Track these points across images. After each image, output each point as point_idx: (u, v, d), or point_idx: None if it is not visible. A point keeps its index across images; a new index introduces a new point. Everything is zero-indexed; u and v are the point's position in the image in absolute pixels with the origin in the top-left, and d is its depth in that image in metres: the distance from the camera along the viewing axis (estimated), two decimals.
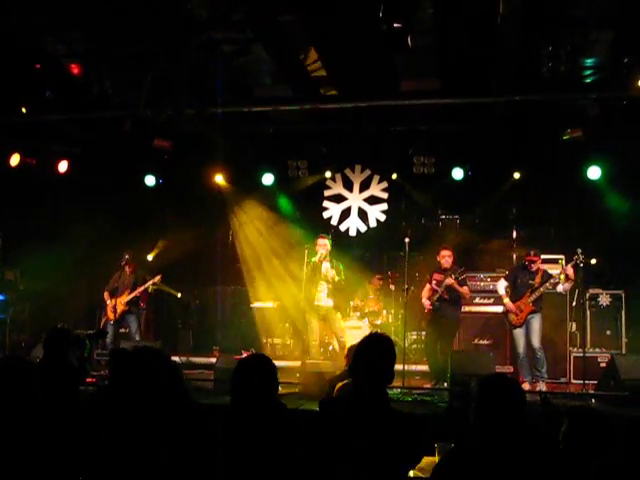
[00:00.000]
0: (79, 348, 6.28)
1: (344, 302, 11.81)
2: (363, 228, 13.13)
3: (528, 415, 3.22)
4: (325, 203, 13.27)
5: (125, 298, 11.02)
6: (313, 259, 10.19)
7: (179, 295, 12.59)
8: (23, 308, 12.42)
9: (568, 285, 9.50)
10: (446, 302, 9.92)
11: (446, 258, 10.05)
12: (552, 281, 9.44)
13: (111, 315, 11.01)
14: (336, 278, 10.09)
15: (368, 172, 13.09)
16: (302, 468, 3.54)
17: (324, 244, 10.18)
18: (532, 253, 9.62)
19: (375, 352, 3.67)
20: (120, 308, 10.96)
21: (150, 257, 12.59)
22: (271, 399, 3.82)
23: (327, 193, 13.26)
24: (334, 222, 13.19)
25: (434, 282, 10.07)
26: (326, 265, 10.14)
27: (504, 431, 3.12)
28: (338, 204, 13.23)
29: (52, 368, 5.86)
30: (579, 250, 9.23)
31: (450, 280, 9.75)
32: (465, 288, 10.00)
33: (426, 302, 10.11)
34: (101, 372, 9.28)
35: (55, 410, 4.04)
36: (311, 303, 10.20)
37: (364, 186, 13.14)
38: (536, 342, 9.40)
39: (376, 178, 13.05)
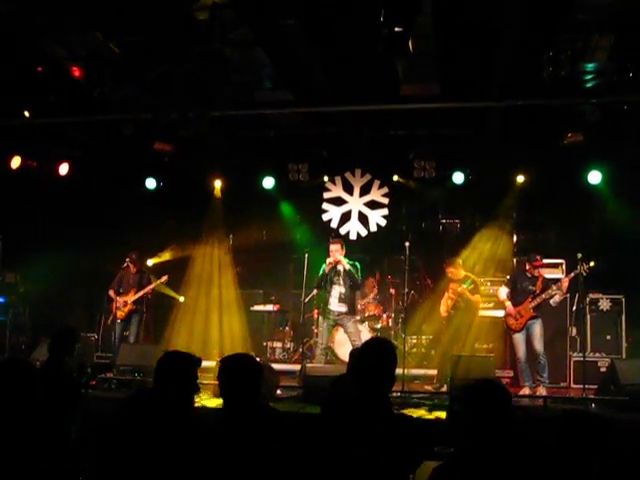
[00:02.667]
0: (80, 372, 6.25)
1: None
2: (364, 232, 13.10)
3: (524, 419, 3.21)
4: (324, 205, 13.24)
5: (132, 297, 11.05)
6: (323, 266, 10.07)
7: (182, 299, 12.61)
8: (23, 311, 12.42)
9: (559, 298, 9.55)
10: (460, 310, 10.01)
11: (451, 274, 10.35)
12: (549, 292, 9.46)
13: (120, 314, 11.02)
14: (347, 267, 9.82)
15: (368, 177, 13.07)
16: (301, 471, 3.54)
17: (335, 249, 9.92)
18: (538, 257, 9.68)
19: (377, 357, 3.68)
20: (128, 307, 11.00)
21: (151, 262, 12.58)
22: (257, 399, 3.83)
23: (326, 195, 13.23)
24: (334, 225, 13.15)
25: (450, 291, 10.22)
26: (339, 268, 9.93)
27: (490, 436, 3.09)
28: (338, 207, 13.20)
29: (56, 368, 5.88)
30: (579, 255, 9.25)
31: (461, 290, 9.90)
32: (476, 296, 10.17)
33: (442, 308, 10.38)
34: (102, 375, 9.27)
35: (56, 412, 4.05)
36: (325, 307, 10.14)
37: (364, 190, 13.11)
38: (539, 347, 9.41)
39: (377, 183, 13.02)
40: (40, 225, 12.33)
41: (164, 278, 11.29)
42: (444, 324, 10.47)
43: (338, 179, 13.18)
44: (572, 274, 9.36)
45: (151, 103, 9.66)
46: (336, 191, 13.21)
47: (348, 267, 9.85)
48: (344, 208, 13.18)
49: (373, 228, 13.08)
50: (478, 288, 10.32)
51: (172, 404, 3.79)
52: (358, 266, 10.06)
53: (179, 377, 3.90)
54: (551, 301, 9.54)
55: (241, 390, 3.78)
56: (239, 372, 3.83)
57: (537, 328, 9.48)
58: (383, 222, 13.04)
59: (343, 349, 10.84)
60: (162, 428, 3.65)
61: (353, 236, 13.06)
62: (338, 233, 12.86)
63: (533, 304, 9.46)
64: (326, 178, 13.07)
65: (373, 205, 13.08)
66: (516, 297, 9.70)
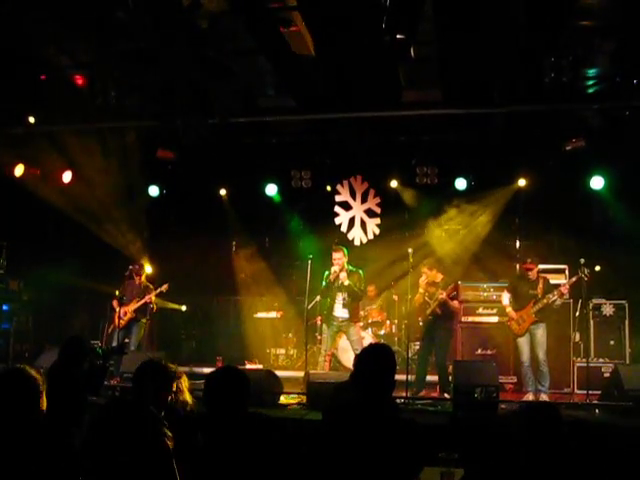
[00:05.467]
0: (95, 358, 6.33)
1: None
2: (364, 239, 13.14)
3: None
4: (336, 208, 13.28)
5: (133, 306, 11.03)
6: (327, 272, 9.96)
7: (184, 308, 12.63)
8: (26, 318, 12.43)
9: (559, 302, 9.54)
10: (439, 317, 9.94)
11: (425, 275, 10.15)
12: (550, 297, 9.43)
13: (120, 322, 11.02)
14: (345, 282, 9.68)
15: (366, 184, 13.13)
16: (304, 477, 3.55)
17: (338, 258, 9.77)
18: (528, 261, 9.64)
19: (376, 362, 3.69)
20: (128, 316, 10.98)
21: (149, 268, 12.59)
22: (244, 411, 3.84)
23: (337, 199, 13.28)
24: (344, 229, 13.20)
25: (426, 294, 10.04)
26: (342, 274, 9.76)
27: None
28: (346, 211, 13.25)
29: (63, 376, 5.88)
30: (582, 260, 9.24)
31: (442, 296, 9.79)
32: (455, 302, 10.09)
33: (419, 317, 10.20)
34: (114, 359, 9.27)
35: (60, 419, 4.07)
36: (329, 314, 10.09)
37: (364, 197, 13.17)
38: (541, 355, 9.38)
39: (372, 192, 13.08)
40: (43, 233, 12.36)
41: (164, 286, 11.26)
42: (421, 331, 10.24)
43: (346, 183, 13.23)
44: (573, 279, 9.35)
45: (154, 111, 9.68)
46: (344, 195, 13.25)
47: (347, 282, 9.73)
48: (350, 213, 13.23)
49: (370, 236, 13.16)
50: (458, 294, 10.27)
51: (144, 412, 3.83)
52: (361, 274, 10.00)
53: (154, 386, 3.99)
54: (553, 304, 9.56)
55: (224, 402, 3.81)
56: (223, 386, 3.87)
57: (539, 335, 9.44)
58: (377, 231, 13.10)
59: (346, 355, 10.83)
60: (137, 435, 3.69)
61: (357, 242, 13.09)
62: (340, 240, 12.84)
63: (535, 308, 9.43)
64: (329, 187, 13.09)
65: (370, 213, 13.15)
66: (518, 302, 9.68)
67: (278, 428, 3.78)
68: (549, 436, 3.22)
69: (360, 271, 9.98)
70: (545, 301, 9.41)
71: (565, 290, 9.36)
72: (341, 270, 9.75)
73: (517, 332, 9.56)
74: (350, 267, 9.89)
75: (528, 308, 9.47)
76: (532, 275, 9.60)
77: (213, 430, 3.75)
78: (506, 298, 9.86)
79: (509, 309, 9.68)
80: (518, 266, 11.85)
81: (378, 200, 13.12)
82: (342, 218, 13.27)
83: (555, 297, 9.40)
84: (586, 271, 9.14)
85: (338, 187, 13.24)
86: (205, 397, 3.85)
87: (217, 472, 3.60)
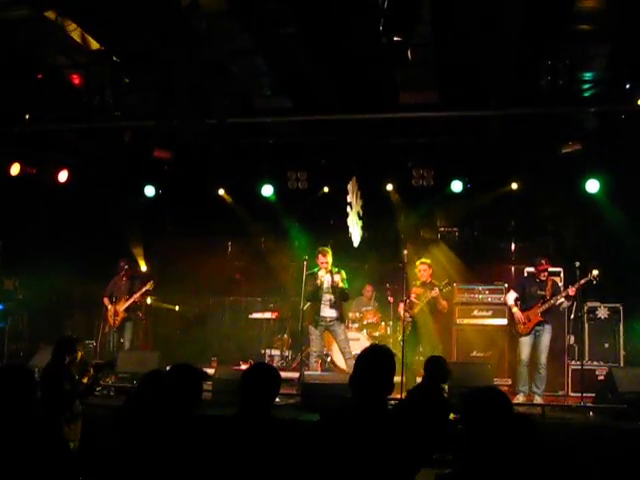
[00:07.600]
0: (83, 373, 6.35)
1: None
2: (358, 241, 13.12)
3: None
4: (348, 208, 13.26)
5: (123, 305, 11.04)
6: (310, 272, 9.98)
7: (177, 308, 12.64)
8: (21, 317, 12.41)
9: (566, 304, 9.57)
10: (426, 315, 9.95)
11: (422, 272, 10.16)
12: (557, 298, 9.45)
13: (112, 321, 11.03)
14: (340, 284, 9.76)
15: (357, 186, 13.13)
16: (299, 477, 3.55)
17: (324, 261, 9.83)
18: (543, 262, 9.63)
19: (375, 363, 3.70)
20: (120, 316, 10.99)
21: (144, 267, 12.58)
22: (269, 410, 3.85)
23: (348, 199, 13.25)
24: (351, 230, 13.19)
25: (413, 296, 10.10)
26: (327, 277, 9.86)
27: (491, 446, 3.03)
28: (352, 211, 13.25)
29: (57, 376, 5.90)
30: (577, 263, 9.26)
31: (436, 292, 9.79)
32: (444, 302, 10.07)
33: (406, 315, 10.03)
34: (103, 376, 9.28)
35: (53, 416, 4.07)
36: (315, 315, 10.10)
37: (357, 200, 13.16)
38: (543, 358, 9.41)
39: (358, 194, 13.06)
40: (39, 231, 12.33)
41: (149, 284, 11.25)
42: (407, 331, 10.20)
43: (350, 184, 13.20)
44: (582, 281, 9.31)
45: (151, 111, 9.68)
46: (351, 195, 13.23)
47: (342, 285, 9.83)
48: (352, 214, 13.23)
49: (359, 238, 13.10)
50: (451, 295, 10.30)
51: (171, 415, 3.82)
52: (344, 274, 10.01)
53: (186, 390, 3.98)
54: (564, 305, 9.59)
55: (258, 398, 3.83)
56: (259, 380, 3.88)
57: (545, 337, 9.46)
58: (361, 233, 13.08)
59: (341, 357, 10.83)
60: (160, 436, 3.68)
61: (355, 244, 13.06)
62: (335, 241, 12.80)
63: (542, 309, 9.44)
64: (326, 189, 13.06)
65: (359, 215, 13.14)
66: (526, 302, 9.67)
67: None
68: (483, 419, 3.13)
69: (342, 271, 10.04)
70: (552, 302, 9.43)
71: (572, 292, 9.38)
72: (327, 272, 9.82)
73: (522, 331, 9.56)
74: (333, 268, 9.94)
75: (535, 308, 9.49)
76: (542, 276, 9.62)
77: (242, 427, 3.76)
78: (511, 298, 9.87)
79: (515, 309, 9.67)
80: (513, 268, 11.89)
81: (361, 203, 13.07)
82: (350, 220, 13.22)
83: (562, 299, 9.44)
84: (595, 274, 9.16)
85: (348, 187, 13.17)
86: (240, 392, 3.87)
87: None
